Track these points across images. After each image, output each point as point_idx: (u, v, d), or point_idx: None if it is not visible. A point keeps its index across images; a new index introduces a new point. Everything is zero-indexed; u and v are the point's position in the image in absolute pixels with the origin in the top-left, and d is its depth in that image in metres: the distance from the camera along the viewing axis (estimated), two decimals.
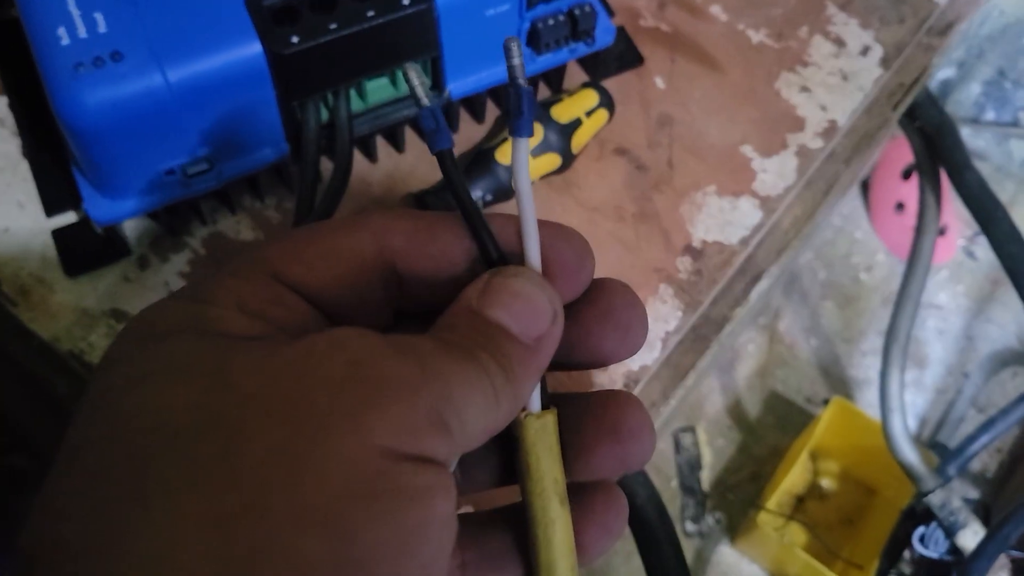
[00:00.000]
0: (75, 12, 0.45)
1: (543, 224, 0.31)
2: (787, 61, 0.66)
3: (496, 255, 0.30)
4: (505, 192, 0.57)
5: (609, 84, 0.63)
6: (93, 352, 0.53)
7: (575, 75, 0.62)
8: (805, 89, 0.65)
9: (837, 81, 0.66)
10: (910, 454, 0.87)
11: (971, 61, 1.52)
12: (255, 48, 0.46)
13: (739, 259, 0.60)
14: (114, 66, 0.44)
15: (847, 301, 1.51)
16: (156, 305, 0.28)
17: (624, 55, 0.65)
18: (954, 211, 1.49)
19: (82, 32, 0.45)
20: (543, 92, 0.62)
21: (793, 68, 0.66)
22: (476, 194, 0.56)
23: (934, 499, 0.85)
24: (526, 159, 0.30)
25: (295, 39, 0.46)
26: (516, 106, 0.30)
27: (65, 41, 0.45)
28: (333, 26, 0.47)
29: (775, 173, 0.62)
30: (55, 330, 0.54)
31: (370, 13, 0.47)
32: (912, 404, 1.42)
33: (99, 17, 0.45)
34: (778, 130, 0.64)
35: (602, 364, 0.31)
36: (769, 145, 0.63)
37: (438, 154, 0.30)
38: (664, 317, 0.57)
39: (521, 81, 0.30)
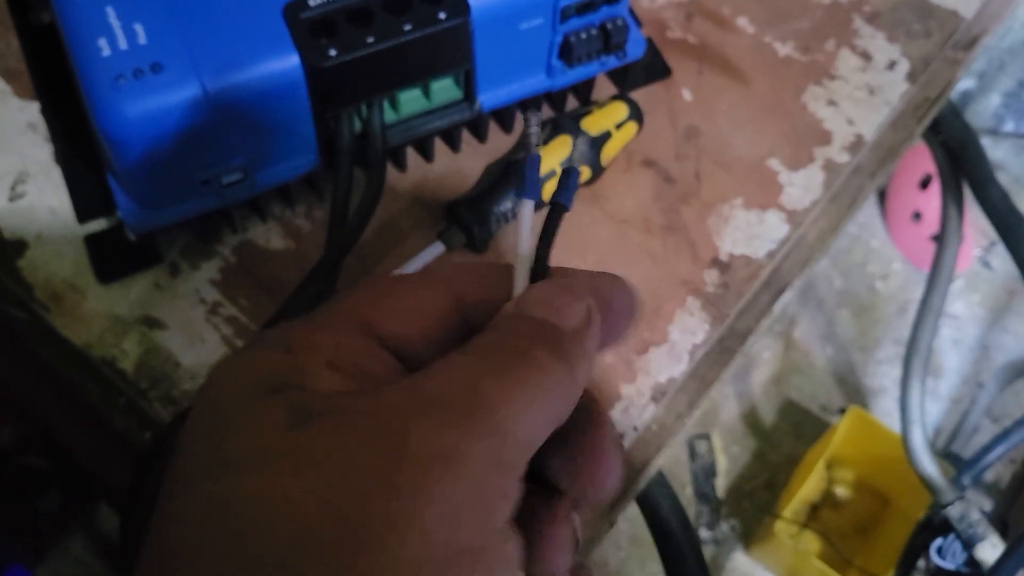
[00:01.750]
0: (116, 24, 0.46)
1: (596, 275, 0.32)
2: (814, 74, 0.66)
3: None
4: (536, 203, 0.57)
5: (636, 95, 0.63)
6: (125, 359, 0.54)
7: (602, 85, 0.63)
8: (832, 103, 0.65)
9: (864, 95, 0.66)
10: (930, 466, 0.87)
11: (992, 72, 1.52)
12: (293, 61, 0.46)
13: (765, 272, 0.60)
14: (154, 77, 0.45)
15: (863, 309, 1.51)
16: (249, 355, 0.29)
17: (652, 67, 0.65)
18: (970, 220, 1.48)
19: (123, 43, 0.45)
20: (572, 103, 0.62)
21: (820, 82, 0.66)
22: (507, 205, 0.56)
23: (953, 511, 0.85)
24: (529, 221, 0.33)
25: (332, 52, 0.46)
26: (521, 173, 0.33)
27: (106, 52, 0.45)
28: (370, 40, 0.47)
29: (802, 187, 0.62)
30: (87, 337, 0.54)
31: (407, 27, 0.47)
32: (926, 414, 1.42)
33: (139, 28, 0.46)
34: (805, 144, 0.64)
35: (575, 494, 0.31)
36: (796, 158, 0.63)
37: (555, 205, 0.32)
38: (692, 330, 0.58)
39: (534, 152, 0.33)
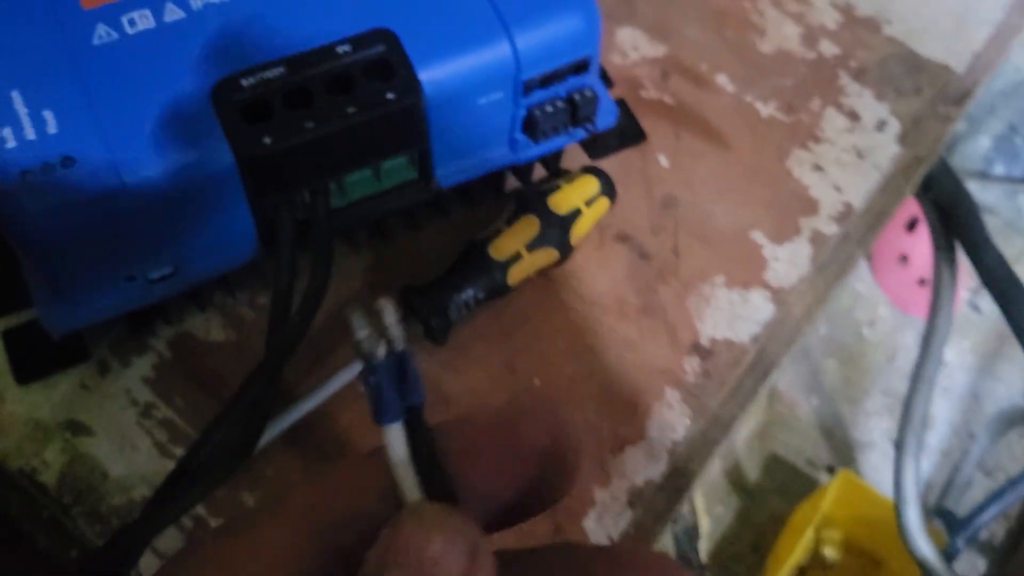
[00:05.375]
0: (22, 111, 0.41)
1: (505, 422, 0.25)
2: (799, 137, 0.62)
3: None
4: (498, 289, 0.52)
5: (609, 162, 0.59)
6: (47, 471, 0.49)
7: (572, 151, 0.58)
8: (818, 168, 0.61)
9: (852, 159, 0.62)
10: (925, 548, 0.82)
11: (981, 115, 1.49)
12: (222, 150, 0.42)
13: (749, 357, 0.56)
14: (64, 172, 0.40)
15: (849, 358, 1.46)
16: None
17: (625, 131, 0.61)
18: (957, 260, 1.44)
19: (30, 133, 0.40)
20: (539, 172, 0.57)
21: (805, 144, 0.62)
22: (468, 293, 0.51)
23: None
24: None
25: (267, 140, 0.41)
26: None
27: (11, 144, 0.40)
28: (310, 125, 0.42)
29: (787, 262, 0.58)
30: (4, 445, 0.49)
31: (351, 109, 0.42)
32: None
33: (49, 116, 0.41)
34: (790, 213, 0.59)
35: None
36: (781, 230, 0.59)
37: (410, 413, 0.24)
38: (671, 425, 0.53)
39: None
